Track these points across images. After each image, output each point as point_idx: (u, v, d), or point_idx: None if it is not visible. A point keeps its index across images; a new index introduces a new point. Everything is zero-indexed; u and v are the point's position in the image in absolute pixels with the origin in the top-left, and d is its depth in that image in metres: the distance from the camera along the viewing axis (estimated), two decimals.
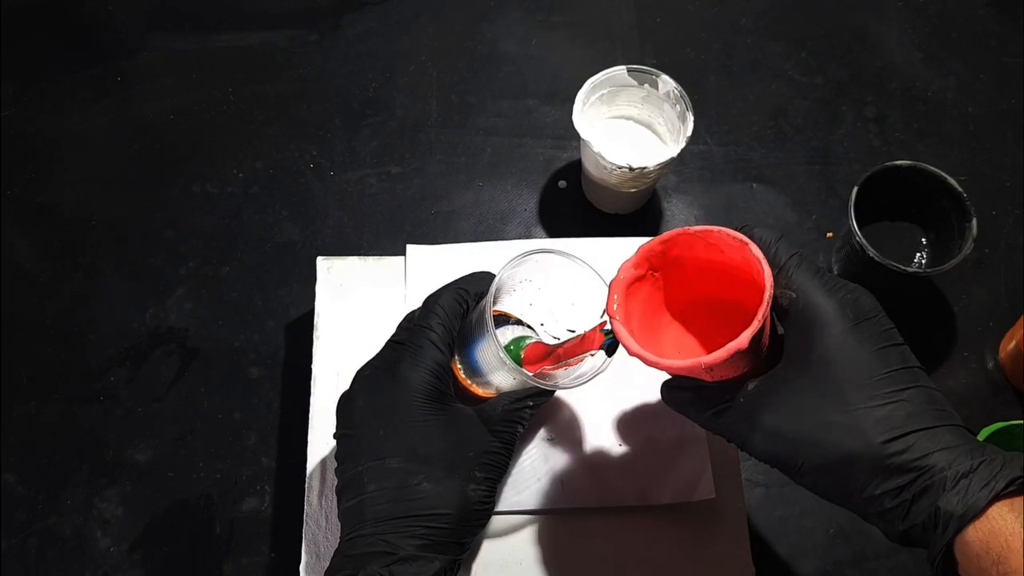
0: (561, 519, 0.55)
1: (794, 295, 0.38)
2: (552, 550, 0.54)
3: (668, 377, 0.46)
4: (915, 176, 0.62)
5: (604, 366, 0.46)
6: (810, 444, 0.37)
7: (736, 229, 0.41)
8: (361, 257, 0.61)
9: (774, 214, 0.70)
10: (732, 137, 0.73)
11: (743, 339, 0.37)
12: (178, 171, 0.70)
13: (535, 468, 0.55)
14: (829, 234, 0.69)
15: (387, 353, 0.47)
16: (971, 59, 0.76)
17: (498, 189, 0.70)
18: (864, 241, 0.59)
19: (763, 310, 0.37)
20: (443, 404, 0.45)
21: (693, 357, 0.39)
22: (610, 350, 0.46)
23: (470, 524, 0.44)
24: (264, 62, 0.75)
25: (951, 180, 0.61)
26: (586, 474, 0.55)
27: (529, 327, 0.53)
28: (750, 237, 0.40)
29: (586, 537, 0.54)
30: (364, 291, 0.60)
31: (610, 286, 0.43)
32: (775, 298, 0.39)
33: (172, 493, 0.59)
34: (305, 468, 0.55)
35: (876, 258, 0.58)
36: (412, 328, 0.46)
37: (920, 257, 0.65)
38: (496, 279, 0.45)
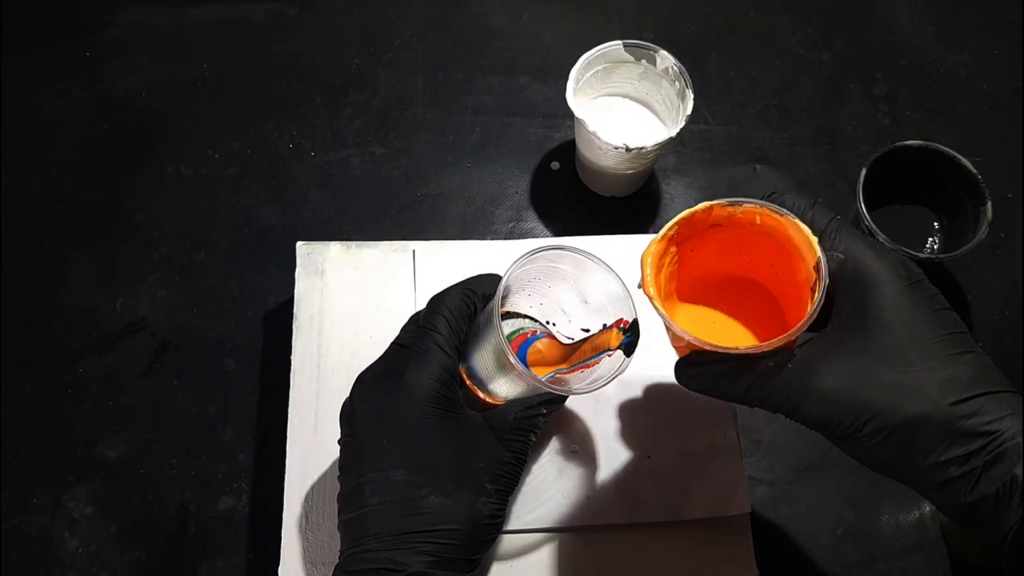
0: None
1: (841, 256, 0.38)
2: (539, 551, 0.52)
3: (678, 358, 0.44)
4: (927, 157, 0.60)
5: (622, 368, 0.44)
6: (871, 406, 0.35)
7: (766, 196, 0.40)
8: (343, 242, 0.60)
9: None
10: (734, 116, 0.71)
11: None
12: (150, 152, 0.69)
13: (558, 483, 0.53)
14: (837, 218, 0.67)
15: (391, 357, 0.45)
16: (986, 34, 0.75)
17: (488, 171, 0.69)
18: (873, 225, 0.57)
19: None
20: (451, 412, 0.43)
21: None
22: (628, 349, 0.44)
23: (481, 539, 0.42)
24: (241, 37, 0.73)
25: (965, 161, 0.58)
26: (613, 489, 0.53)
27: (537, 322, 0.51)
28: (782, 204, 0.40)
29: (581, 537, 0.53)
30: (346, 278, 0.58)
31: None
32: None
33: (144, 491, 0.58)
34: (284, 465, 0.53)
35: (886, 243, 0.56)
36: (417, 331, 0.45)
37: (932, 242, 0.62)
38: (504, 279, 0.42)
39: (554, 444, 0.54)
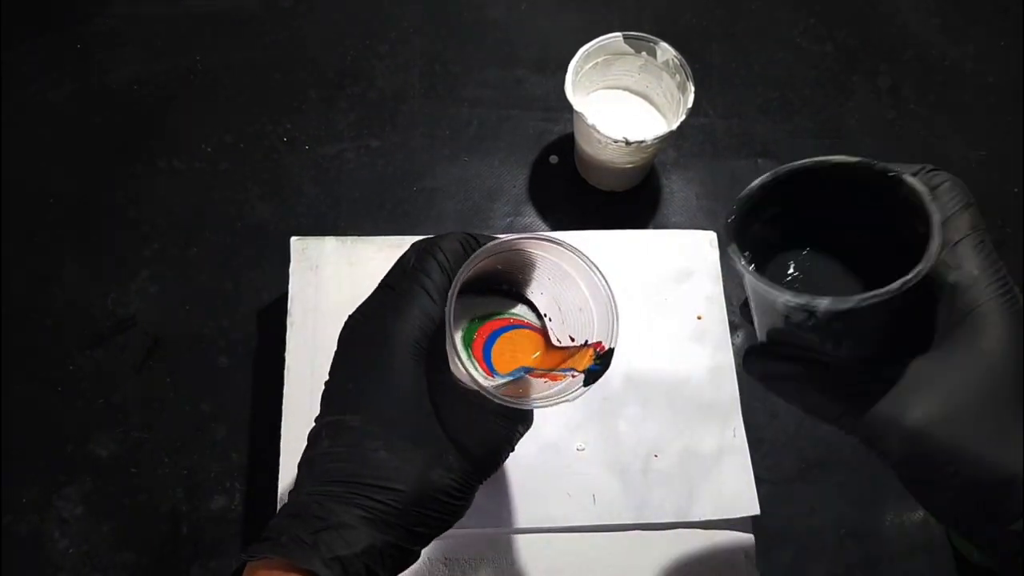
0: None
1: (975, 272, 0.32)
2: (543, 551, 0.52)
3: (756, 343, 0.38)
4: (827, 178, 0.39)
5: (573, 394, 0.39)
6: (965, 455, 0.31)
7: (922, 169, 0.34)
8: (338, 237, 0.59)
9: None
10: (735, 109, 0.70)
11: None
12: (142, 145, 0.68)
13: (563, 482, 0.53)
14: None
15: (376, 297, 0.41)
16: (991, 26, 0.74)
17: (485, 165, 0.68)
18: (762, 286, 0.37)
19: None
20: (430, 367, 0.38)
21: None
22: (590, 378, 0.39)
23: (426, 512, 0.38)
24: (234, 28, 0.72)
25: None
26: (619, 489, 0.53)
27: (535, 311, 0.48)
28: (935, 187, 0.33)
29: (581, 538, 0.52)
30: (341, 274, 0.58)
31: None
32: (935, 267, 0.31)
33: (136, 491, 0.57)
34: (278, 464, 0.53)
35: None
36: (407, 271, 0.40)
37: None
38: (491, 245, 0.38)
39: (560, 443, 0.53)
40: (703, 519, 0.52)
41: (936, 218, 0.30)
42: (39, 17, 0.72)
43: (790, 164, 0.35)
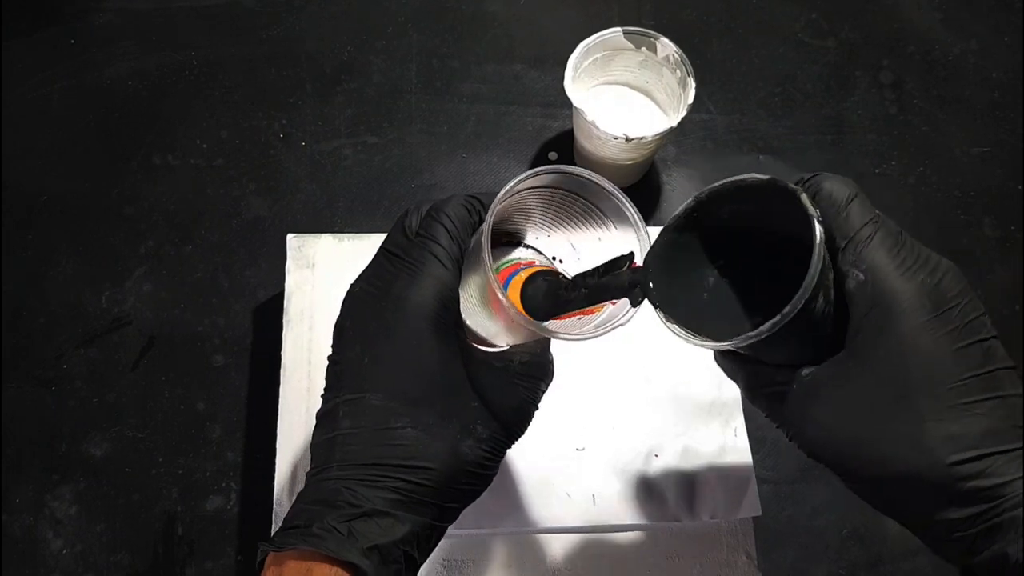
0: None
1: (862, 276, 0.33)
2: (542, 551, 0.52)
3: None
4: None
5: (625, 317, 0.38)
6: (866, 453, 0.33)
7: (802, 180, 0.36)
8: (335, 235, 0.59)
9: None
10: (737, 105, 0.70)
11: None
12: (137, 142, 0.67)
13: (563, 483, 0.52)
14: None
15: (380, 266, 0.39)
16: (994, 20, 0.73)
17: (483, 161, 0.67)
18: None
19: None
20: (448, 337, 0.37)
21: None
22: (635, 298, 0.38)
23: (459, 487, 0.37)
24: (230, 23, 0.72)
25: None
26: (619, 489, 0.52)
27: (542, 254, 0.46)
28: (817, 191, 0.35)
29: (580, 538, 0.52)
30: (338, 272, 0.57)
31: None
32: (840, 278, 0.34)
33: (130, 490, 0.57)
34: (274, 463, 0.53)
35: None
36: (412, 240, 0.38)
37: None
38: (506, 189, 0.36)
39: (560, 442, 0.53)
40: (704, 519, 0.51)
41: (817, 248, 0.31)
42: (34, 12, 0.71)
43: (708, 188, 0.37)
